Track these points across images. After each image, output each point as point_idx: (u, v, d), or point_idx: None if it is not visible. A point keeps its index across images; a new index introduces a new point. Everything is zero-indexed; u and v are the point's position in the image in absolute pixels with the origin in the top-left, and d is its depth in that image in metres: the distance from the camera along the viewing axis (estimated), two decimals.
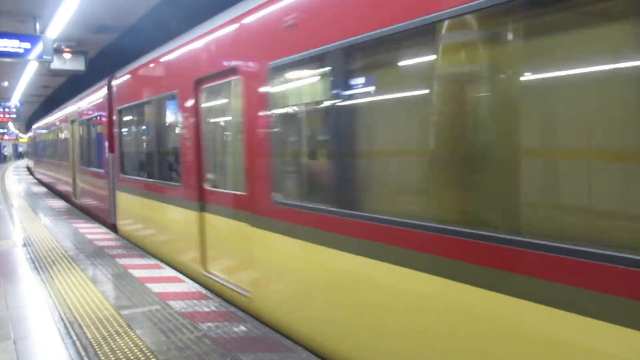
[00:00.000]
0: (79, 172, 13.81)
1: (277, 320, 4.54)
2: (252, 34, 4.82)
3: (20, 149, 68.46)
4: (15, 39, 9.65)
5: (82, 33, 11.89)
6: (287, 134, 4.63)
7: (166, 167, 7.21)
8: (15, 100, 24.85)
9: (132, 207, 8.72)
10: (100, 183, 10.86)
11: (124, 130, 9.33)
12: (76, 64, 12.40)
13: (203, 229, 5.96)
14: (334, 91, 3.72)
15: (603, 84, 2.38)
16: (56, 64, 11.89)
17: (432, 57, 3.07)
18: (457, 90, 2.96)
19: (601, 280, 2.17)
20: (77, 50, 12.43)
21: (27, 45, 9.73)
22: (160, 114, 7.41)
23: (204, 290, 5.64)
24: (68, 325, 4.66)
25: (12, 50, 9.62)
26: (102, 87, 10.49)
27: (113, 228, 9.98)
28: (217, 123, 6.08)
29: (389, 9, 3.17)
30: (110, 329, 4.55)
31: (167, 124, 7.28)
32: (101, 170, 10.63)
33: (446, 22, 2.84)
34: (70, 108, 14.90)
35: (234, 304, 5.21)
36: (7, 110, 23.92)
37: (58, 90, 22.86)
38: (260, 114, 4.63)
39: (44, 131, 23.06)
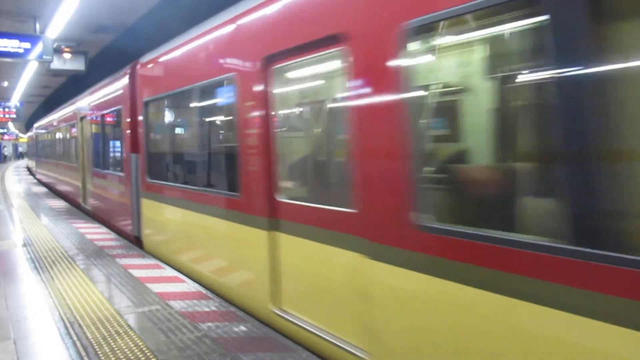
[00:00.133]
0: (89, 175, 12.27)
1: None
2: None
3: (20, 149, 68.49)
4: (15, 39, 9.66)
5: (82, 33, 11.89)
6: (447, 126, 3.52)
7: (215, 172, 5.92)
8: (15, 100, 24.85)
9: (164, 219, 7.18)
10: (118, 188, 9.42)
11: (154, 126, 7.89)
12: (76, 64, 12.41)
13: (275, 254, 4.56)
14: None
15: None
16: (56, 64, 11.91)
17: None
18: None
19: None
20: (77, 50, 12.44)
21: (27, 45, 9.73)
22: (207, 105, 6.06)
23: (204, 290, 5.64)
24: (68, 325, 4.66)
25: (12, 50, 9.63)
26: (121, 76, 8.99)
27: (136, 241, 8.44)
28: (299, 114, 4.98)
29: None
30: (110, 329, 4.55)
31: (217, 118, 6.10)
32: (120, 174, 9.20)
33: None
34: (79, 103, 13.33)
35: None
36: (7, 110, 23.90)
37: (58, 90, 22.86)
38: (389, 97, 3.20)
39: (47, 130, 21.39)
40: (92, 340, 4.30)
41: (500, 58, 3.21)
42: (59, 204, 15.00)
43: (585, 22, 2.22)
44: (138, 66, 8.18)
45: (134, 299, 5.42)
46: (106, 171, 10.41)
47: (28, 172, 34.08)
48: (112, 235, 9.39)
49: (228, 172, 5.56)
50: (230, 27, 5.22)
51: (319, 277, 4.05)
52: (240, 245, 5.12)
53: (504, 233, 2.58)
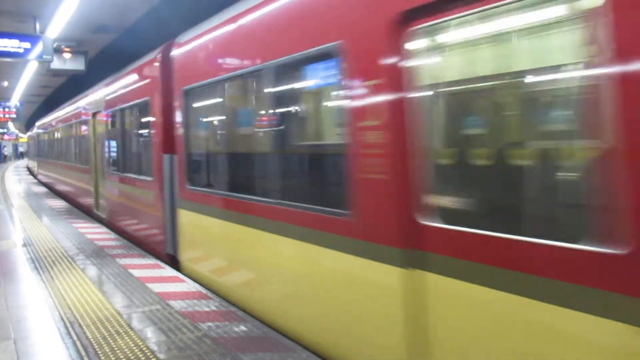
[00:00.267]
0: (104, 179, 10.63)
1: None
2: None
3: (20, 149, 68.52)
4: (15, 38, 9.66)
5: (82, 33, 11.89)
6: None
7: (304, 180, 4.59)
8: (15, 100, 24.87)
9: (216, 238, 5.66)
10: (143, 195, 7.96)
11: (199, 120, 6.39)
12: (76, 64, 12.41)
13: (417, 306, 3.02)
14: None
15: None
16: (56, 64, 11.91)
17: None
18: None
19: None
20: (77, 50, 12.45)
21: (27, 45, 9.73)
22: (290, 90, 4.67)
23: (204, 290, 5.64)
24: (68, 325, 4.66)
25: (12, 50, 9.62)
26: (149, 63, 7.65)
27: (170, 261, 6.94)
28: (471, 93, 3.37)
29: None
30: (110, 328, 4.55)
31: (306, 106, 4.82)
32: (146, 178, 7.78)
33: None
34: (92, 97, 11.85)
35: None
36: (7, 110, 23.91)
37: (58, 90, 22.86)
38: None
39: (52, 128, 19.58)
40: (92, 340, 4.30)
41: None
42: (59, 204, 14.99)
43: None
44: (174, 48, 6.64)
45: (134, 298, 5.42)
46: (127, 174, 8.89)
47: (28, 172, 34.09)
48: (112, 235, 9.39)
49: (327, 181, 4.26)
50: None
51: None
52: (349, 286, 3.56)
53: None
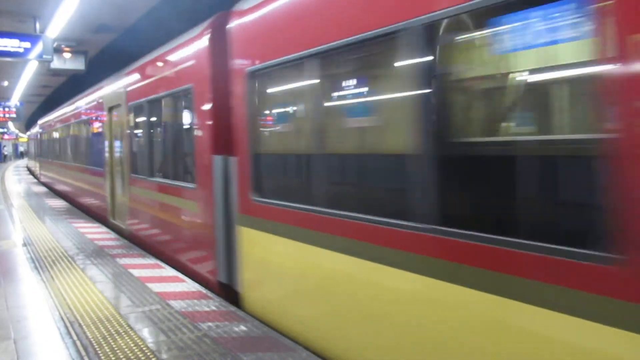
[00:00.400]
0: (124, 184, 9.15)
1: None
2: None
3: (20, 149, 68.56)
4: (15, 38, 9.66)
5: (82, 33, 11.89)
6: None
7: (500, 194, 2.94)
8: (15, 100, 24.87)
9: (305, 271, 4.19)
10: (182, 206, 6.51)
11: (275, 111, 5.13)
12: (76, 64, 12.41)
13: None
14: None
15: None
16: (56, 64, 11.91)
17: None
18: None
19: None
20: (77, 49, 12.45)
21: (27, 44, 9.73)
22: (453, 58, 3.16)
23: (204, 290, 5.64)
24: (68, 325, 4.66)
25: (12, 49, 9.62)
26: (193, 41, 6.05)
27: (222, 290, 5.52)
28: None
29: None
30: (110, 328, 4.55)
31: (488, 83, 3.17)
32: (186, 185, 6.37)
33: None
34: (108, 89, 10.24)
35: None
36: (7, 109, 23.92)
37: (58, 90, 22.87)
38: None
39: (57, 126, 17.89)
40: (92, 339, 4.30)
41: None
42: (59, 203, 14.99)
43: None
44: (232, 19, 5.18)
45: (134, 298, 5.42)
46: (157, 180, 7.41)
47: (28, 172, 34.09)
48: (112, 235, 9.39)
49: (549, 201, 2.88)
50: None
51: None
52: None
53: None
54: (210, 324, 4.60)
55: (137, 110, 8.27)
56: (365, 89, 4.03)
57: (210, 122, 5.68)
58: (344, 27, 3.56)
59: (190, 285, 5.85)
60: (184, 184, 6.48)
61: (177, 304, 5.17)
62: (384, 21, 3.21)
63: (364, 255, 3.49)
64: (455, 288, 2.81)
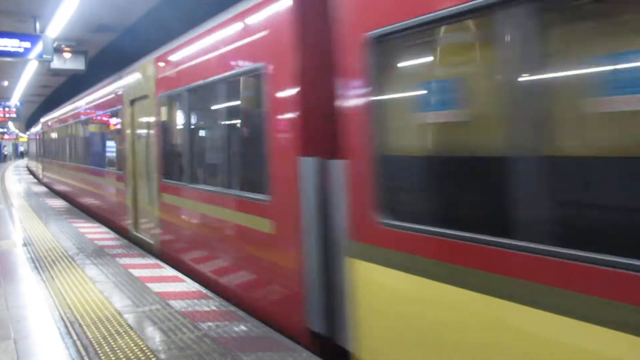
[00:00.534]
0: (151, 190, 7.73)
1: None
2: None
3: (20, 149, 68.60)
4: (15, 38, 9.67)
5: (82, 33, 11.91)
6: None
7: None
8: (15, 100, 24.89)
9: (482, 338, 2.63)
10: (246, 224, 4.99)
11: (424, 93, 3.17)
12: (76, 64, 12.43)
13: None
14: None
15: None
16: (56, 64, 11.93)
17: None
18: None
19: None
20: (77, 49, 12.47)
21: (27, 44, 9.74)
22: None
23: (204, 290, 5.64)
24: (68, 324, 4.66)
25: (12, 49, 9.64)
26: (265, 3, 4.63)
27: (316, 342, 4.14)
28: None
29: None
30: (110, 328, 4.56)
31: None
32: (254, 197, 4.82)
33: None
34: (130, 79, 8.73)
35: None
36: (7, 109, 23.93)
37: (58, 90, 22.89)
38: None
39: (63, 123, 16.16)
40: (92, 339, 4.30)
41: None
42: (59, 203, 14.99)
43: None
44: None
45: (134, 298, 5.42)
46: (206, 188, 5.84)
47: (28, 172, 34.09)
48: (112, 234, 9.39)
49: None
50: None
51: None
52: None
53: None
54: (210, 323, 4.61)
55: (172, 101, 6.90)
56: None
57: (295, 113, 4.20)
58: None
59: (190, 285, 5.85)
60: (249, 195, 4.90)
61: (177, 304, 5.18)
62: None
63: (597, 318, 2.15)
64: None
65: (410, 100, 3.31)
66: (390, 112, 3.41)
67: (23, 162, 53.22)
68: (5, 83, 20.80)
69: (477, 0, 2.58)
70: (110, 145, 10.39)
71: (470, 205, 2.95)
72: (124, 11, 10.45)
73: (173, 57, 6.83)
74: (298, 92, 4.21)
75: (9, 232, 9.92)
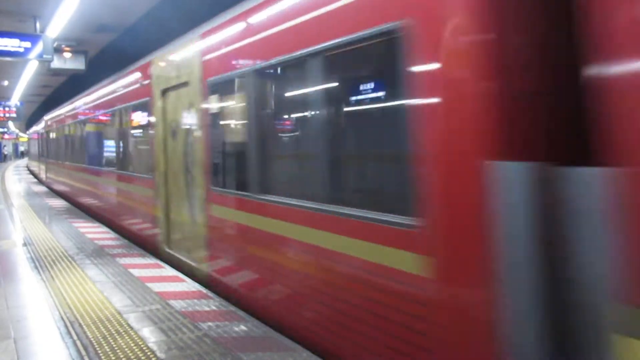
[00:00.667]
0: (193, 199, 6.33)
1: None
2: None
3: (21, 149, 68.63)
4: (16, 38, 9.68)
5: (82, 32, 11.91)
6: None
7: None
8: (15, 100, 24.90)
9: None
10: (380, 261, 3.27)
11: None
12: (76, 64, 12.43)
13: None
14: None
15: None
16: (56, 64, 11.94)
17: None
18: None
19: None
20: (77, 49, 12.47)
21: (27, 44, 9.74)
22: None
23: (204, 290, 5.64)
24: (68, 324, 4.67)
25: (12, 49, 9.64)
26: None
27: None
28: None
29: None
30: (110, 328, 4.56)
31: None
32: (392, 219, 3.20)
33: None
34: (162, 64, 7.25)
35: None
36: (7, 109, 23.94)
37: (58, 90, 22.89)
38: None
39: (72, 120, 14.29)
40: (92, 339, 4.30)
41: None
42: (59, 203, 14.99)
43: None
44: None
45: (134, 298, 5.42)
46: (286, 201, 4.34)
47: (28, 172, 34.09)
48: (113, 234, 9.38)
49: None
50: None
51: None
52: None
53: None
54: (210, 323, 4.61)
55: (231, 87, 5.32)
56: None
57: (481, 96, 2.61)
58: None
59: (190, 285, 5.85)
60: (376, 216, 3.35)
61: (177, 304, 5.18)
62: None
63: None
64: None
65: None
66: None
67: (23, 162, 53.24)
68: (5, 83, 20.80)
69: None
70: (131, 144, 9.01)
71: None
72: (124, 11, 10.46)
73: (233, 29, 5.23)
74: (486, 63, 2.57)
75: (9, 231, 9.92)
